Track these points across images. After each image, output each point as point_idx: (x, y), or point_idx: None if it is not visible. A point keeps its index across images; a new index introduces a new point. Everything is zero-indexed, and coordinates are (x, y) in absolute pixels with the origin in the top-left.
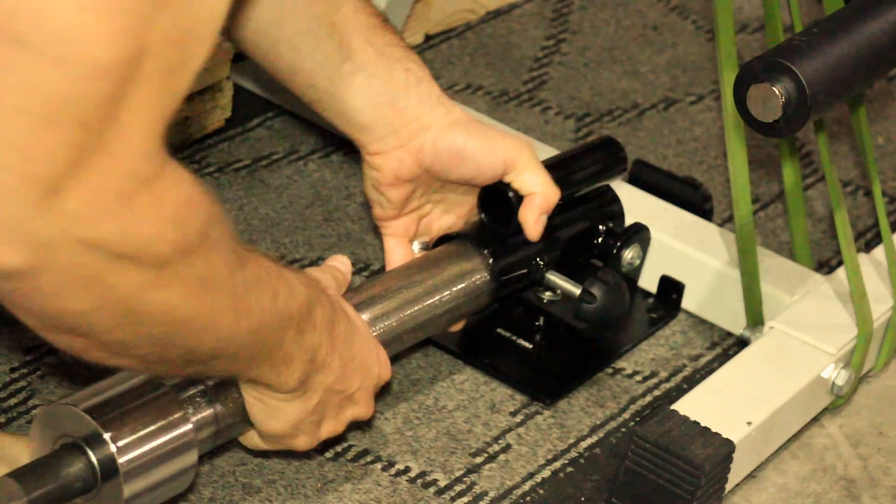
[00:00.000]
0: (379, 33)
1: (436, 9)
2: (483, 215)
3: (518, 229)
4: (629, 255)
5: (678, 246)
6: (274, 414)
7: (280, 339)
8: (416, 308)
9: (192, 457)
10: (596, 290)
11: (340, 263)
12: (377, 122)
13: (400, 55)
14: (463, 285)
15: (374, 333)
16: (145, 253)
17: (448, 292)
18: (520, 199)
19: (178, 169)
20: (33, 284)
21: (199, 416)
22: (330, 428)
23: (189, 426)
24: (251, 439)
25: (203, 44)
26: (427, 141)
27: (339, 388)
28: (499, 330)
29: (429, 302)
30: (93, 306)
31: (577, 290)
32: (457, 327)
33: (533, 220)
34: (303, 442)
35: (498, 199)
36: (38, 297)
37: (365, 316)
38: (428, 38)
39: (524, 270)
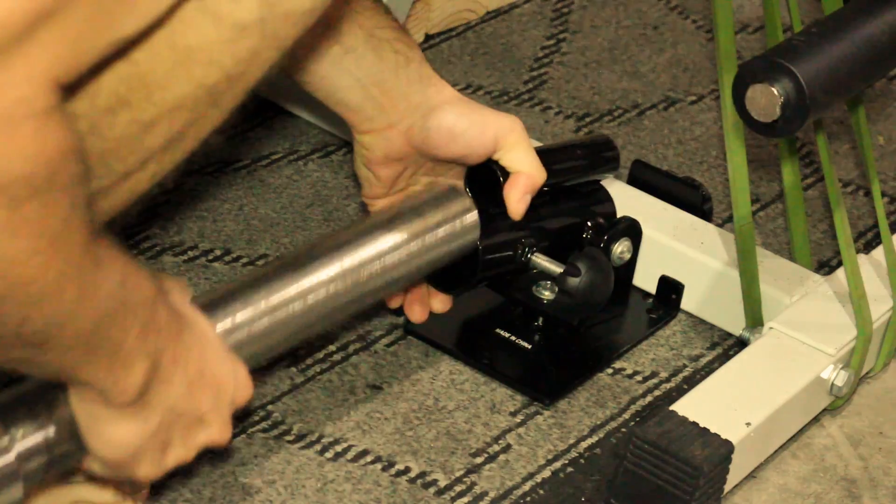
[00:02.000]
0: (368, 15)
1: (436, 9)
2: (469, 193)
3: (504, 210)
4: (619, 248)
5: (678, 246)
6: (110, 435)
7: (123, 333)
8: (403, 252)
9: (16, 492)
10: (581, 264)
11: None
12: (366, 102)
13: (390, 36)
14: (448, 227)
15: (373, 270)
16: (4, 177)
17: (434, 235)
18: (507, 176)
19: (68, 118)
20: None
21: (26, 444)
22: (177, 454)
23: (11, 456)
24: (89, 464)
25: (135, 12)
26: (417, 120)
27: (183, 407)
28: (498, 330)
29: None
30: None
31: (560, 270)
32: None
33: (516, 199)
34: (145, 470)
35: (485, 177)
36: None
37: (348, 260)
38: (428, 37)
39: (509, 252)
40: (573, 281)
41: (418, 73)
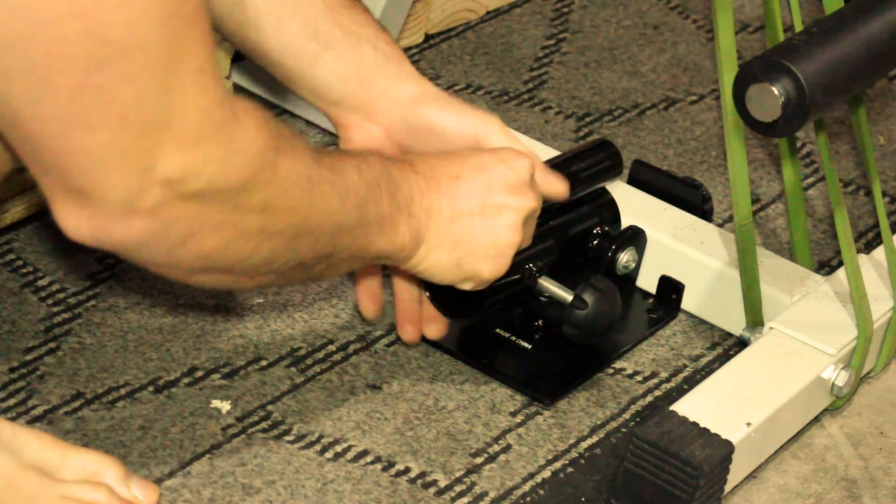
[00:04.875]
0: (346, 14)
1: (436, 8)
2: None
3: None
4: (624, 258)
5: (678, 246)
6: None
7: (378, 206)
8: None
9: None
10: (588, 297)
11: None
12: (347, 97)
13: (369, 34)
14: None
15: None
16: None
17: None
18: None
19: (239, 98)
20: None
21: None
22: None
23: None
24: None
25: None
26: (397, 116)
27: (462, 204)
28: (498, 330)
29: None
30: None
31: (569, 297)
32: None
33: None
34: (485, 269)
35: None
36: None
37: None
38: (428, 37)
39: (517, 276)
40: (579, 314)
41: (397, 69)
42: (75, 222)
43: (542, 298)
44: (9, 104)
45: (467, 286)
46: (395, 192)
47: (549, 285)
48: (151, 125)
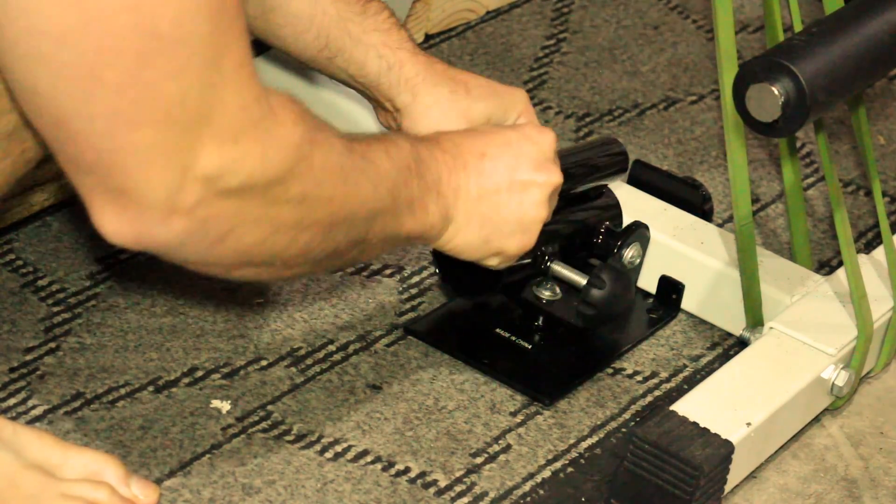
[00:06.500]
0: (356, 20)
1: (436, 8)
2: None
3: None
4: (629, 253)
5: (678, 246)
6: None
7: (409, 190)
8: None
9: None
10: (606, 276)
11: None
12: (364, 92)
13: (376, 41)
14: None
15: None
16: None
17: None
18: None
19: (274, 92)
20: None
21: None
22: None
23: None
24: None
25: None
26: (405, 122)
27: (486, 184)
28: (498, 330)
29: None
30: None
31: (583, 280)
32: None
33: None
34: (512, 242)
35: None
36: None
37: None
38: (428, 37)
39: (528, 260)
40: (597, 293)
41: (397, 78)
42: (116, 226)
43: (544, 300)
44: (57, 102)
45: (493, 262)
46: (423, 172)
47: (563, 270)
48: (194, 121)
